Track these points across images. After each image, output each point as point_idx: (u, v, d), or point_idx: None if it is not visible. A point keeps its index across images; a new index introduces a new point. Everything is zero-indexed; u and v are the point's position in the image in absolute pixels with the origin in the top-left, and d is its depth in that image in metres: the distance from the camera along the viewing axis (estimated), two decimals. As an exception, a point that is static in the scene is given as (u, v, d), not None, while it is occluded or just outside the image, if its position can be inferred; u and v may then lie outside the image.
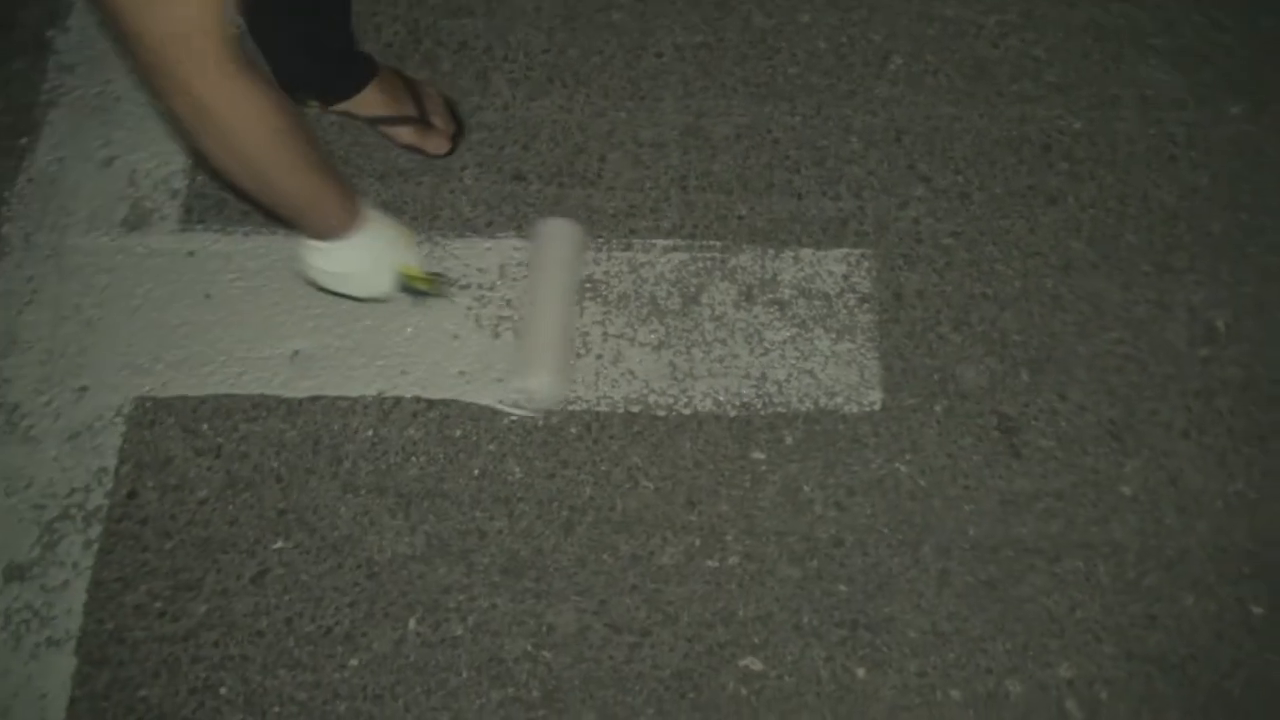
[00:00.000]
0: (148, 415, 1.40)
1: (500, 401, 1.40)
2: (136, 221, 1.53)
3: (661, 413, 1.40)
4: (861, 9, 1.73)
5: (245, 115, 0.92)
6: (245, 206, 1.54)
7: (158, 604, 1.30)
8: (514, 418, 1.39)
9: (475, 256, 1.51)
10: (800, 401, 1.40)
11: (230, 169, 0.99)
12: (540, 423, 1.40)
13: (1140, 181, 1.56)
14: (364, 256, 1.21)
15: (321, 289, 1.28)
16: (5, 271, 1.50)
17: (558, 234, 1.48)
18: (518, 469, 1.37)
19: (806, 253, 1.51)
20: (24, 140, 1.60)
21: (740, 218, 1.54)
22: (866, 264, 1.50)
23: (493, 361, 1.43)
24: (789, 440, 1.38)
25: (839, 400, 1.40)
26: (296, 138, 0.99)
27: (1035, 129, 1.61)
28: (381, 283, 1.26)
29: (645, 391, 1.41)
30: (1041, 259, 1.50)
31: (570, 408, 1.40)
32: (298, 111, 0.99)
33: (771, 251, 1.51)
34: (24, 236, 1.53)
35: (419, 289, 1.33)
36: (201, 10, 0.83)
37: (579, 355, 1.44)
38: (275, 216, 1.19)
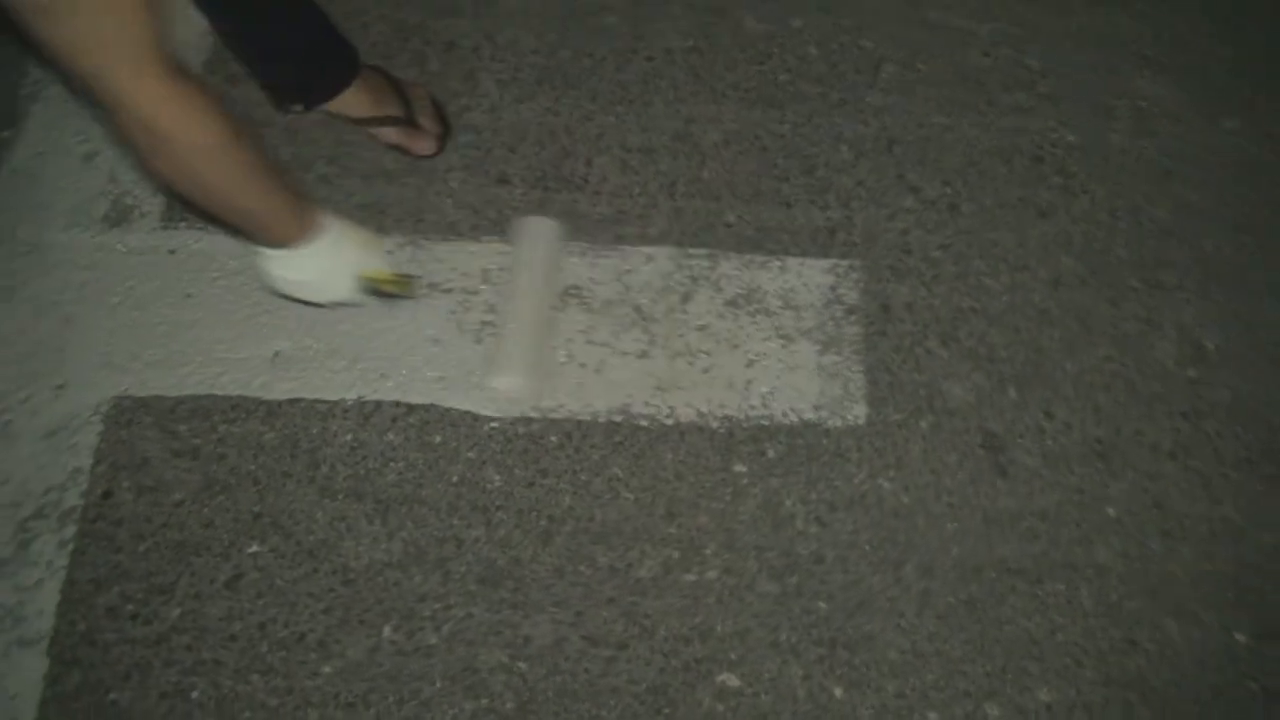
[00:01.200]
0: (125, 415, 1.39)
1: (478, 405, 1.39)
2: (117, 218, 1.52)
3: (643, 423, 1.39)
4: (853, 15, 1.71)
5: (186, 127, 0.91)
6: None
7: (130, 606, 1.29)
8: (494, 423, 1.38)
9: (459, 260, 1.49)
10: (784, 414, 1.39)
11: (178, 182, 0.99)
12: (520, 430, 1.38)
13: (1132, 196, 1.55)
14: (320, 263, 1.20)
15: (284, 296, 1.27)
16: (-15, 266, 1.48)
17: (537, 233, 1.46)
18: (497, 477, 1.36)
19: (794, 262, 1.50)
20: (5, 134, 1.59)
21: (728, 225, 1.52)
22: (854, 275, 1.49)
23: (474, 367, 1.41)
24: (771, 453, 1.37)
25: (823, 414, 1.39)
26: (241, 148, 0.98)
27: (1027, 140, 1.60)
28: (342, 288, 1.26)
29: (627, 401, 1.40)
30: (1030, 273, 1.49)
31: (551, 415, 1.39)
32: (242, 121, 0.99)
33: (759, 260, 1.50)
34: (3, 231, 1.51)
35: (387, 291, 1.31)
36: (129, 25, 0.83)
37: (561, 362, 1.42)
38: (230, 227, 1.18)
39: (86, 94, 0.92)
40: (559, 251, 1.48)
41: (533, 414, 1.39)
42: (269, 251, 1.18)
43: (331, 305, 1.34)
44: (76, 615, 1.28)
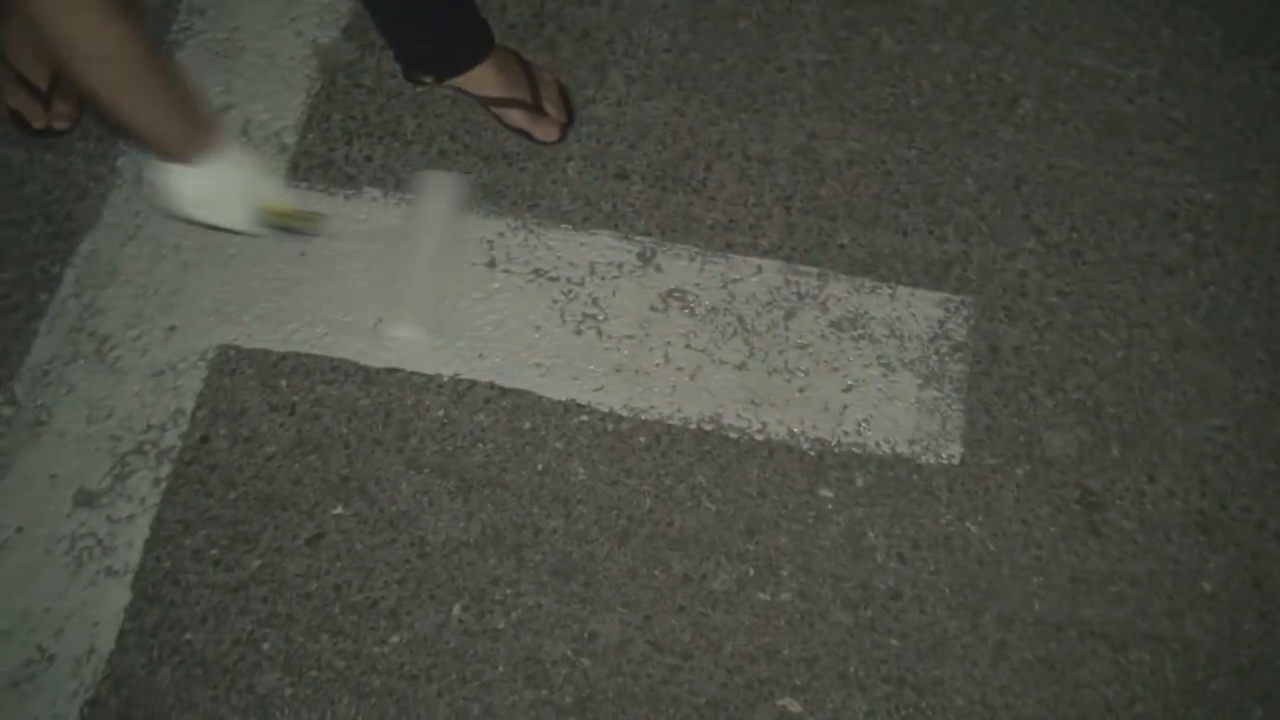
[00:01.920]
0: (230, 364, 1.42)
1: (552, 390, 1.41)
2: (245, 171, 1.55)
3: (733, 435, 1.38)
4: (996, 46, 1.67)
5: (75, 35, 0.92)
6: (350, 170, 1.55)
7: (214, 551, 1.32)
8: (584, 416, 1.38)
9: (568, 250, 1.50)
10: (877, 444, 1.37)
11: (77, 87, 0.99)
12: (610, 427, 1.38)
13: (1268, 264, 1.48)
14: (216, 183, 1.18)
15: (179, 216, 1.24)
16: (115, 204, 1.53)
17: (439, 186, 1.49)
18: (581, 470, 1.36)
19: (904, 291, 1.47)
20: (149, 77, 1.63)
21: (841, 246, 1.50)
22: (965, 312, 1.45)
23: (573, 358, 1.42)
24: (860, 482, 1.35)
25: (917, 449, 1.36)
26: (134, 60, 0.98)
27: (1163, 194, 1.54)
28: (237, 214, 1.23)
29: (720, 411, 1.39)
30: (1150, 331, 1.44)
31: (642, 416, 1.39)
32: (138, 31, 0.97)
33: (868, 285, 1.47)
34: (136, 171, 1.55)
35: (287, 225, 1.30)
36: None
37: (658, 364, 1.41)
38: (132, 137, 1.14)
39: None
40: (460, 206, 1.50)
41: (623, 412, 1.39)
42: (165, 166, 1.15)
43: (226, 229, 1.29)
44: (163, 553, 1.32)
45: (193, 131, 1.13)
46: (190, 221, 1.26)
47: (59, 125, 1.55)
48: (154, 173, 1.18)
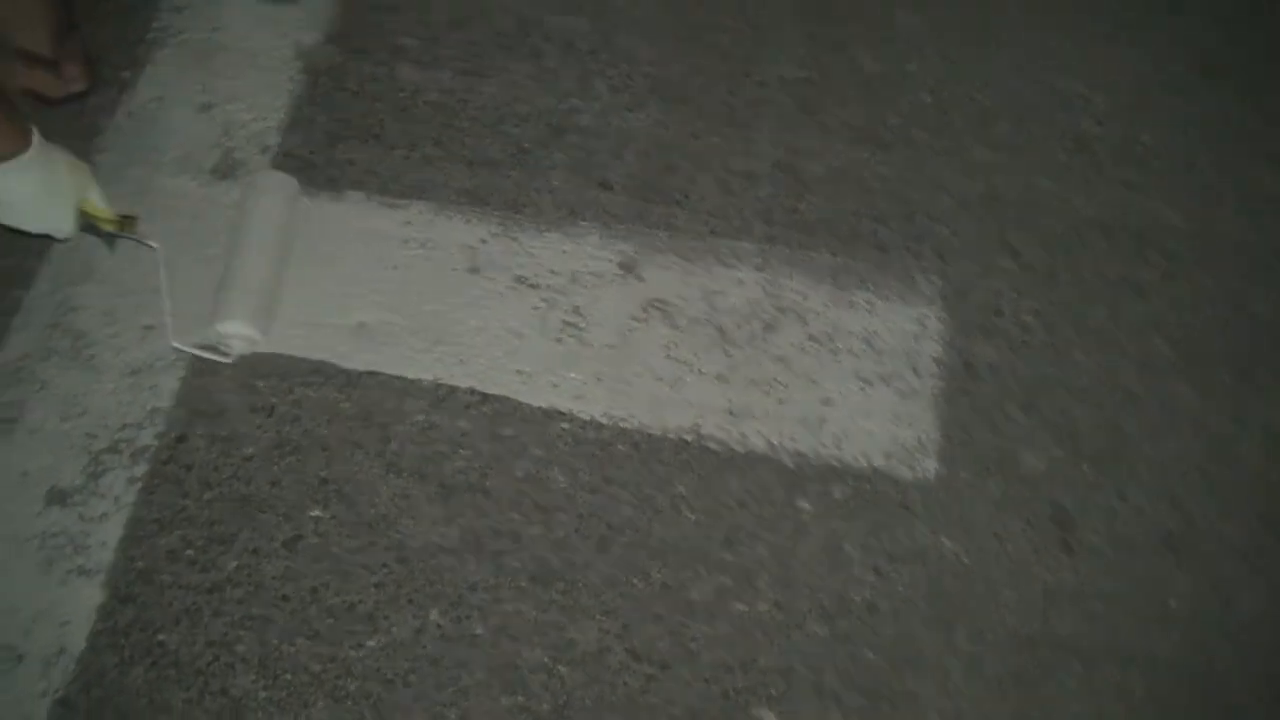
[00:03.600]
0: (208, 363, 1.41)
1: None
2: (225, 171, 1.54)
3: (713, 445, 1.39)
4: (972, 68, 1.70)
5: None
6: (332, 172, 1.54)
7: (190, 552, 1.31)
8: (565, 424, 1.39)
9: (550, 258, 1.50)
10: (854, 458, 1.38)
11: None
12: (590, 435, 1.39)
13: (1235, 287, 1.53)
14: (27, 183, 1.16)
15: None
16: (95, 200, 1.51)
17: (271, 186, 1.48)
18: (561, 478, 1.36)
19: (882, 306, 1.49)
20: (126, 74, 1.62)
21: (820, 261, 1.52)
22: (940, 328, 1.48)
23: (554, 366, 1.42)
24: (837, 495, 1.36)
25: (893, 463, 1.38)
26: None
27: (1133, 216, 1.58)
28: (55, 217, 1.22)
29: (700, 421, 1.40)
30: (1120, 352, 1.47)
31: (622, 424, 1.39)
32: None
33: (846, 299, 1.49)
34: (115, 169, 1.54)
35: (105, 230, 1.31)
36: None
37: (637, 373, 1.42)
38: None
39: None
40: (295, 205, 1.50)
41: (603, 420, 1.40)
42: None
43: (41, 233, 1.29)
44: (137, 553, 1.30)
45: (8, 126, 1.10)
46: (11, 227, 1.22)
47: (75, 88, 1.50)
48: None
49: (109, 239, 1.39)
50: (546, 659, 1.26)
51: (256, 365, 1.41)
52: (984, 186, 1.59)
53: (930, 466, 1.38)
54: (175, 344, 1.40)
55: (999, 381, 1.44)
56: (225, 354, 1.41)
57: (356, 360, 1.42)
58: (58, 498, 1.33)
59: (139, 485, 1.34)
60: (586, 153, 1.59)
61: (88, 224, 1.31)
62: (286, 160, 1.55)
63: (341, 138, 1.58)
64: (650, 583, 1.31)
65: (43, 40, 1.39)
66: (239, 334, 1.40)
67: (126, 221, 1.35)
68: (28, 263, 1.46)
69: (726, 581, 1.31)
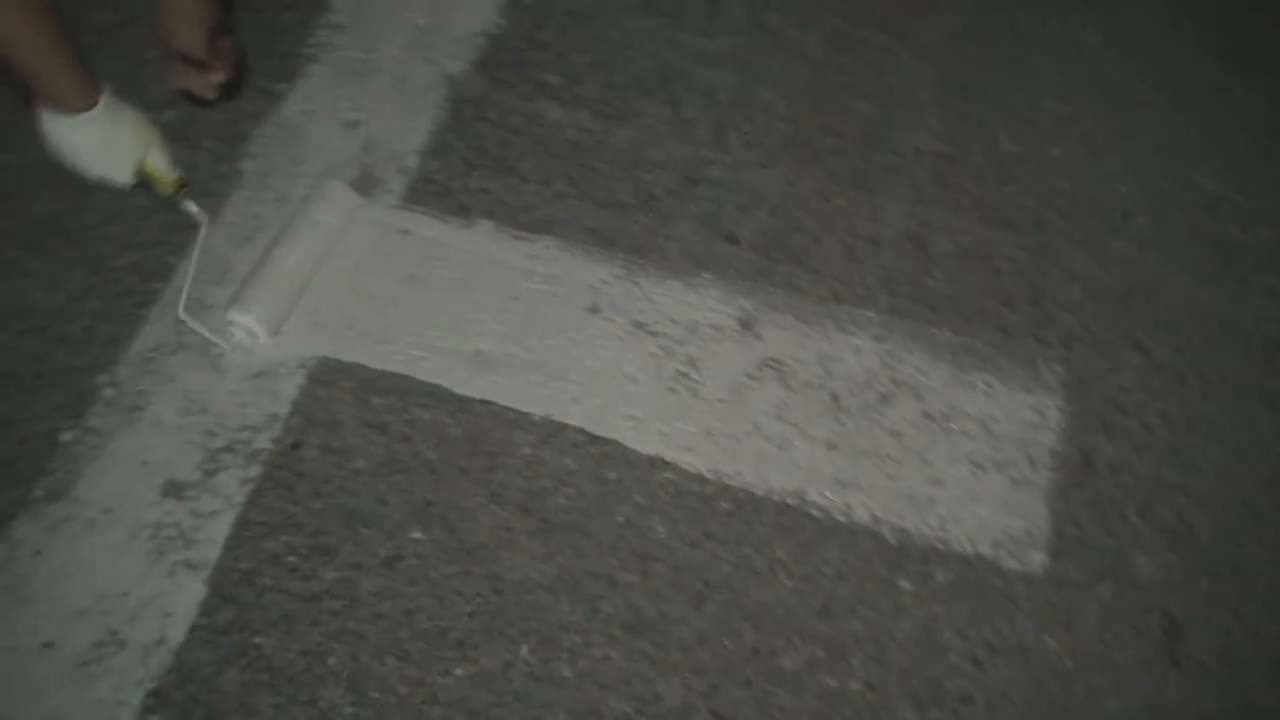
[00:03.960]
0: (328, 375, 1.44)
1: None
2: (364, 188, 1.58)
3: (817, 513, 1.37)
4: (1115, 157, 1.68)
5: None
6: (465, 200, 1.57)
7: (293, 558, 1.33)
8: (669, 474, 1.38)
9: (671, 306, 1.51)
10: (960, 542, 1.36)
11: None
12: (695, 488, 1.38)
13: (1373, 412, 1.47)
14: (97, 134, 1.32)
15: (63, 162, 1.35)
16: (235, 204, 1.56)
17: (331, 196, 1.53)
18: (662, 528, 1.36)
19: (1001, 390, 1.46)
20: (281, 86, 1.68)
21: (941, 338, 1.50)
22: (1060, 419, 1.44)
23: (664, 415, 1.42)
24: (940, 578, 1.33)
25: (1001, 552, 1.35)
26: (33, 4, 1.14)
27: (1271, 326, 1.53)
28: (116, 167, 1.36)
29: (805, 486, 1.39)
30: (1247, 465, 1.42)
31: (726, 481, 1.39)
32: None
33: (965, 380, 1.47)
34: (258, 176, 1.59)
35: (161, 192, 1.42)
36: None
37: (747, 431, 1.42)
38: (19, 83, 1.26)
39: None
40: (348, 220, 1.54)
41: (708, 475, 1.39)
42: (51, 114, 1.28)
43: (100, 180, 1.39)
44: (242, 553, 1.33)
45: (79, 82, 1.27)
46: (76, 171, 1.35)
47: (220, 82, 1.56)
48: (45, 124, 1.30)
49: (170, 199, 1.47)
50: (630, 710, 1.25)
51: (375, 382, 1.44)
52: (1118, 279, 1.56)
53: (1038, 560, 1.35)
54: (182, 316, 1.45)
55: (1117, 480, 1.40)
56: (226, 343, 1.46)
57: (471, 387, 1.44)
58: (173, 490, 1.36)
59: (251, 487, 1.37)
60: (716, 205, 1.60)
61: (144, 180, 1.41)
62: (423, 183, 1.59)
63: (478, 166, 1.61)
64: (741, 644, 1.29)
65: (198, 43, 1.46)
66: (246, 327, 1.44)
67: (181, 188, 1.45)
68: (168, 258, 1.51)
69: (819, 653, 1.29)
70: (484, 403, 1.43)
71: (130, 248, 1.51)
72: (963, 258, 1.57)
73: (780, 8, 1.83)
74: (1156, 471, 1.41)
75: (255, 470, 1.38)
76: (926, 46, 1.80)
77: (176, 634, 1.28)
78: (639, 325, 1.49)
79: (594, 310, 1.50)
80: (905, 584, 1.33)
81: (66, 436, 1.37)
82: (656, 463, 1.40)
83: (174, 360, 1.44)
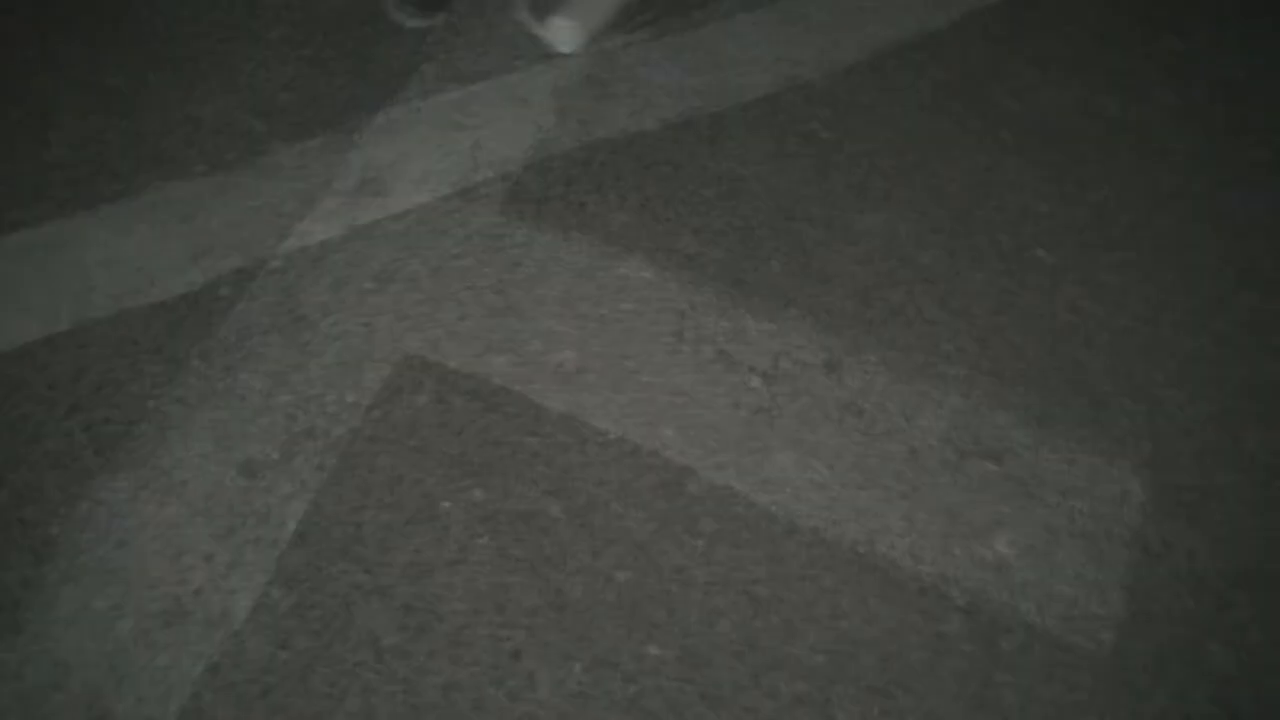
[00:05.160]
0: (413, 372, 1.46)
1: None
2: (464, 193, 1.60)
3: (884, 565, 1.35)
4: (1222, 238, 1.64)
5: None
6: (562, 212, 1.58)
7: (359, 549, 1.34)
8: (739, 507, 1.37)
9: (757, 339, 1.50)
10: (1029, 611, 1.33)
11: None
12: (764, 526, 1.37)
13: None
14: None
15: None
16: (329, 199, 1.59)
17: None
18: (727, 561, 1.35)
19: (1085, 460, 1.43)
20: (394, 80, 1.70)
21: (1028, 401, 1.47)
22: (1143, 499, 1.41)
23: (740, 447, 1.42)
24: (1004, 645, 1.31)
25: (1069, 626, 1.32)
26: None
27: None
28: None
29: (875, 536, 1.37)
30: (1336, 565, 1.38)
31: (797, 521, 1.37)
32: None
33: (1049, 445, 1.44)
34: (359, 165, 1.61)
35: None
36: None
37: (824, 473, 1.40)
38: None
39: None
40: None
41: (779, 514, 1.38)
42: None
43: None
44: (311, 539, 1.34)
45: None
46: None
47: None
48: None
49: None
50: (678, 742, 1.24)
51: (457, 383, 1.45)
52: (1215, 360, 1.52)
53: (1109, 640, 1.31)
54: (517, 17, 1.63)
55: (1195, 571, 1.36)
56: (550, 44, 1.68)
57: (550, 399, 1.44)
58: (250, 469, 1.38)
59: (325, 475, 1.38)
60: (812, 243, 1.59)
61: None
62: (522, 193, 1.60)
63: (578, 180, 1.63)
64: (794, 691, 1.27)
65: None
66: (569, 29, 1.62)
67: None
68: (262, 235, 1.54)
69: (874, 710, 1.27)
70: (564, 417, 1.43)
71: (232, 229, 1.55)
72: (1061, 324, 1.54)
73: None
74: (1234, 564, 1.37)
75: (332, 459, 1.40)
76: (1027, 112, 1.78)
77: (239, 612, 1.29)
78: (722, 354, 1.49)
79: (678, 335, 1.50)
80: (969, 647, 1.31)
81: (153, 405, 1.40)
82: (727, 495, 1.39)
83: (264, 341, 1.47)
